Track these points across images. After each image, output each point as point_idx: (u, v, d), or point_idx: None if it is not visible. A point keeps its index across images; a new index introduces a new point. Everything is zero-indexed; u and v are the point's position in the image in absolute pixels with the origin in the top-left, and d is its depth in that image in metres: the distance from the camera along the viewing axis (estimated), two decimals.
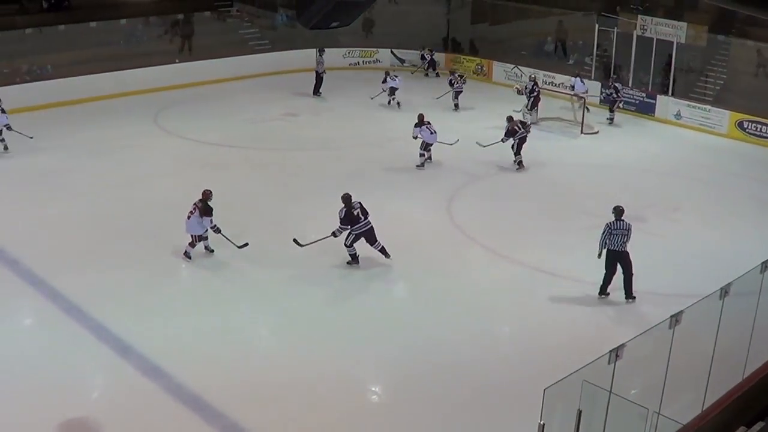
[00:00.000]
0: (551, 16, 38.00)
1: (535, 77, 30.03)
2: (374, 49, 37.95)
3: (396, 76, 31.68)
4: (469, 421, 12.90)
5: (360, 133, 28.00)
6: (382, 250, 17.94)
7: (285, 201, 21.87)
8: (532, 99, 28.64)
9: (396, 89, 31.25)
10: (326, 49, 32.91)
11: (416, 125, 24.22)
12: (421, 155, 24.31)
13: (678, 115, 29.96)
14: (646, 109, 30.83)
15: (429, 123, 24.24)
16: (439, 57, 37.53)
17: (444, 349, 14.89)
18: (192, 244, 17.99)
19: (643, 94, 31.00)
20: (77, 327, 15.40)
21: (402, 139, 25.12)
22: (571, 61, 35.54)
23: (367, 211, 17.69)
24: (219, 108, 30.80)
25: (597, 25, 32.80)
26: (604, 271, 16.56)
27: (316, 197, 21.75)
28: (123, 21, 35.03)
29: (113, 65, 32.55)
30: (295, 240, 18.02)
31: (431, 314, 16.23)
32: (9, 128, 24.68)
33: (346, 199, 17.57)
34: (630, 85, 31.62)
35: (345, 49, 37.25)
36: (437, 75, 36.46)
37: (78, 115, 29.41)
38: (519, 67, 34.83)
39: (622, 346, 10.05)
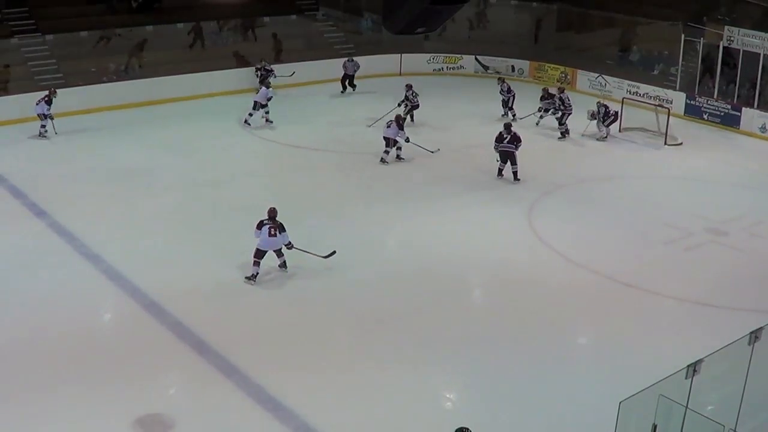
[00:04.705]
0: (637, 26, 37.65)
1: (602, 102, 29.24)
2: (458, 56, 37.93)
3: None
4: None
5: (442, 140, 28.00)
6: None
7: (369, 204, 22.12)
8: (609, 119, 28.07)
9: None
10: (409, 55, 33.25)
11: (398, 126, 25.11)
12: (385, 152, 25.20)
13: (763, 128, 29.45)
14: (730, 122, 30.41)
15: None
16: (524, 65, 37.43)
17: (515, 359, 14.94)
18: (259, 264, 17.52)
19: (728, 107, 30.61)
20: (156, 324, 15.75)
21: (482, 146, 25.14)
22: (656, 71, 35.19)
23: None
24: (303, 110, 31.06)
25: (683, 35, 32.47)
26: None
27: (399, 202, 22.11)
28: (212, 23, 35.57)
29: (199, 66, 33.13)
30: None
31: (504, 322, 16.22)
32: (51, 118, 26.38)
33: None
34: (715, 96, 31.24)
35: (429, 55, 37.39)
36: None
37: (163, 115, 29.91)
38: (603, 76, 34.58)
39: (700, 361, 10.03)
